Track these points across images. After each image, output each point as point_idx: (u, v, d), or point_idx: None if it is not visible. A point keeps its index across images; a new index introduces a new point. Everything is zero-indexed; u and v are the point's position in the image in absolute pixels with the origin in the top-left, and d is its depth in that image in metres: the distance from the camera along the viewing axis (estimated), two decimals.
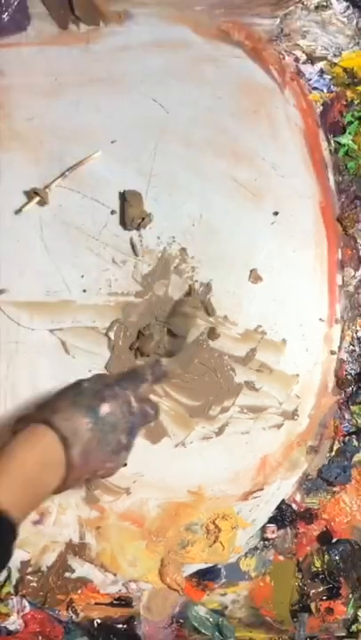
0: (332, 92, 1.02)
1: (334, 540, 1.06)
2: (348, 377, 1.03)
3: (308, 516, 1.05)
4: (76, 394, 0.75)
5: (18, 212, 0.94)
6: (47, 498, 0.72)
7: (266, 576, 1.05)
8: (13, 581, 0.99)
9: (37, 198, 0.93)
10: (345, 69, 1.02)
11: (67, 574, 1.00)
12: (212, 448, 1.01)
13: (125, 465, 0.98)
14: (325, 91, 1.02)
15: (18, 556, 0.99)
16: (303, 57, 1.01)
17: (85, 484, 0.77)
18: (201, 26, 0.98)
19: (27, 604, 1.00)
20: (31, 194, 0.93)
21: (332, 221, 1.03)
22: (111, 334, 0.96)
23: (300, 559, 1.06)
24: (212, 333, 0.98)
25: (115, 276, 0.97)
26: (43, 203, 0.94)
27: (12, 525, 0.64)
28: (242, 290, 1.00)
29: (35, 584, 0.99)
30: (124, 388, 0.77)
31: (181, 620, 1.03)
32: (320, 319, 1.03)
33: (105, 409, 0.74)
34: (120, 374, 0.82)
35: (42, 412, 0.73)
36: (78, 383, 0.78)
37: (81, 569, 1.01)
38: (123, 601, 1.02)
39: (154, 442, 0.99)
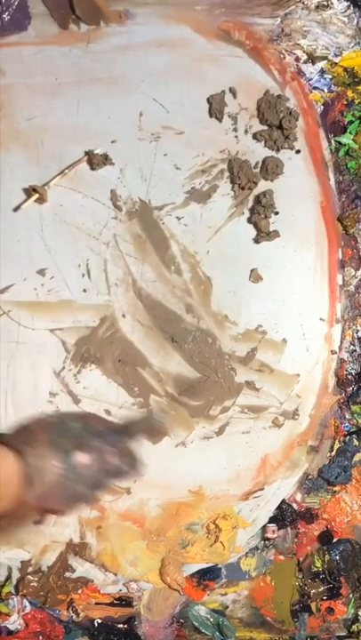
0: (332, 91, 1.02)
1: (335, 540, 1.05)
2: (349, 377, 1.03)
3: (309, 515, 1.05)
4: (60, 433, 0.72)
5: (16, 209, 0.94)
6: None
7: (266, 576, 1.05)
8: (14, 581, 0.99)
9: (36, 195, 0.93)
10: (346, 69, 1.01)
11: (67, 574, 1.00)
12: (212, 448, 1.01)
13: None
14: (326, 90, 1.02)
15: (18, 555, 0.99)
16: (304, 56, 1.01)
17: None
18: (201, 25, 0.98)
19: (27, 603, 1.00)
20: (30, 191, 0.93)
21: (333, 221, 1.03)
22: None
23: (301, 559, 1.06)
24: None
25: (115, 276, 0.97)
26: (42, 200, 0.94)
27: None
28: (242, 289, 1.00)
29: (35, 584, 0.99)
30: (108, 442, 0.74)
31: (182, 620, 1.03)
32: (321, 319, 1.03)
33: (79, 459, 0.71)
34: (110, 424, 0.79)
35: (19, 437, 0.72)
36: (64, 420, 0.74)
37: (81, 569, 1.01)
38: (123, 601, 1.02)
39: (154, 442, 0.99)
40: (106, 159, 0.94)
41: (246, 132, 0.99)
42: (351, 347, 1.04)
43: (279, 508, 1.04)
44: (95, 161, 0.94)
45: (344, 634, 1.07)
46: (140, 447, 0.77)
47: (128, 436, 0.77)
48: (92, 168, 0.95)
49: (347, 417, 1.04)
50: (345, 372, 1.03)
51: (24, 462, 0.68)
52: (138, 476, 0.79)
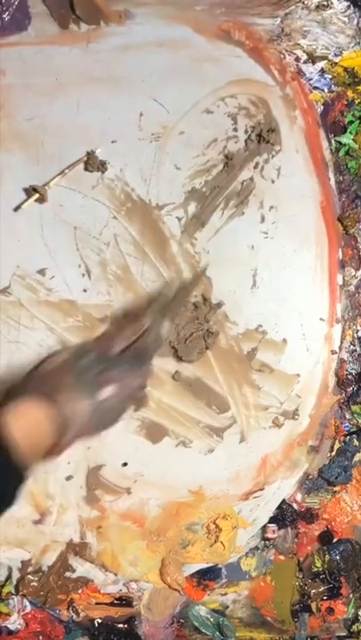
0: (332, 91, 1.02)
1: (335, 540, 1.06)
2: (349, 377, 1.03)
3: (309, 515, 1.05)
4: (79, 372, 0.76)
5: (17, 208, 0.94)
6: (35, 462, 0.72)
7: (267, 576, 1.05)
8: (14, 581, 0.99)
9: (36, 195, 0.93)
10: (346, 69, 1.01)
11: (67, 574, 1.00)
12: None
13: (126, 465, 0.99)
14: (326, 90, 1.02)
15: (18, 555, 0.99)
16: (304, 56, 1.01)
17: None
18: (202, 25, 0.98)
19: (27, 603, 1.00)
20: (30, 191, 0.93)
21: (333, 221, 1.03)
22: None
23: (301, 559, 1.06)
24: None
25: (115, 276, 0.97)
26: (42, 200, 0.94)
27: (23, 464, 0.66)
28: (242, 289, 1.00)
29: (35, 584, 0.99)
30: (124, 369, 0.78)
31: (182, 620, 1.03)
32: (321, 319, 1.03)
33: (105, 393, 0.75)
34: (119, 353, 0.81)
35: (43, 385, 0.75)
36: (77, 358, 0.78)
37: (82, 568, 1.01)
38: (123, 601, 1.02)
39: (154, 442, 0.99)
40: (103, 165, 0.94)
41: (246, 131, 0.99)
42: (351, 347, 1.04)
43: (279, 507, 1.04)
44: (90, 162, 0.94)
45: (344, 634, 1.07)
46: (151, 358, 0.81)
47: (139, 363, 0.80)
48: (86, 169, 0.94)
49: (347, 417, 1.04)
50: (345, 372, 1.03)
51: (59, 410, 0.71)
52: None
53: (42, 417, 0.71)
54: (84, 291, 0.96)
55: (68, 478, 0.98)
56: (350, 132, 1.02)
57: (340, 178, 1.03)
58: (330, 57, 1.01)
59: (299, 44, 1.00)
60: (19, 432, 0.66)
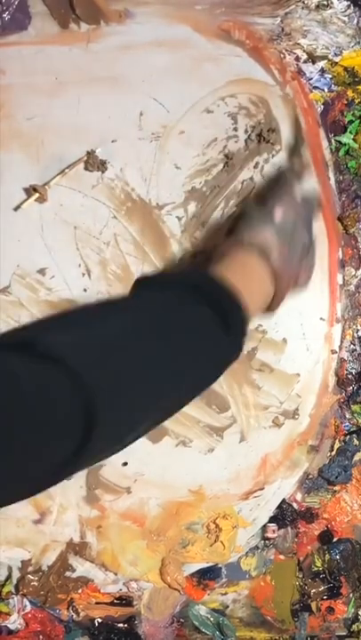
0: (332, 91, 1.02)
1: (335, 540, 1.06)
2: (349, 376, 1.03)
3: (309, 515, 1.05)
4: (246, 216, 0.79)
5: (17, 208, 0.94)
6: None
7: (266, 575, 1.05)
8: (14, 580, 0.99)
9: (36, 195, 0.93)
10: (346, 68, 1.01)
11: (67, 573, 1.00)
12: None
13: (126, 464, 0.99)
14: (326, 90, 1.02)
15: (19, 555, 0.99)
16: (304, 56, 1.01)
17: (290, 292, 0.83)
18: (202, 25, 0.98)
19: (27, 603, 1.00)
20: (30, 190, 0.93)
21: (333, 221, 1.02)
22: None
23: (301, 558, 1.06)
24: None
25: (115, 275, 0.97)
26: (42, 200, 0.94)
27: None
28: None
29: (35, 583, 0.99)
30: (281, 194, 0.81)
31: (182, 620, 1.03)
32: (321, 318, 1.03)
33: (278, 214, 0.77)
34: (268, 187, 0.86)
35: (228, 239, 0.79)
36: (243, 211, 0.82)
37: (82, 568, 1.01)
38: (123, 600, 1.02)
39: (154, 441, 0.99)
40: (103, 164, 0.94)
41: (246, 131, 0.99)
42: (351, 346, 1.04)
43: (279, 507, 1.04)
44: (91, 162, 0.94)
45: (344, 633, 1.07)
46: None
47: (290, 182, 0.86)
48: (86, 168, 0.94)
49: (347, 416, 1.04)
50: (345, 372, 1.03)
51: (251, 244, 0.75)
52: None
53: (250, 265, 0.74)
54: (85, 290, 0.96)
55: (68, 478, 0.98)
56: (350, 132, 1.02)
57: (340, 177, 1.03)
58: (330, 56, 1.01)
59: (299, 44, 1.00)
60: (239, 283, 0.69)
